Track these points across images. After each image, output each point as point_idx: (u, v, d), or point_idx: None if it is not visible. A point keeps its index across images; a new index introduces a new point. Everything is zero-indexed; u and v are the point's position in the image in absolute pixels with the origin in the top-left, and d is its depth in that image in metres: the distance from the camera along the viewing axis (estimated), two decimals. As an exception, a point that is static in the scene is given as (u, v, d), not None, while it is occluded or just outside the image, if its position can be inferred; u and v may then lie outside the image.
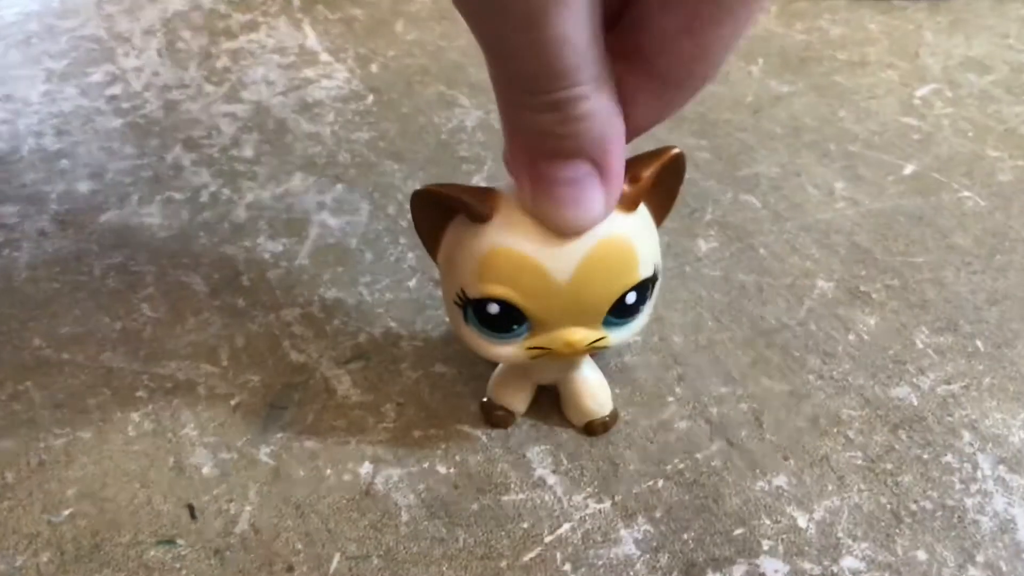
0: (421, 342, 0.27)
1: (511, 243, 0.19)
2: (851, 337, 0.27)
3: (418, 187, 0.19)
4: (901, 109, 0.40)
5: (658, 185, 0.20)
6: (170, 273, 0.31)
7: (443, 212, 0.20)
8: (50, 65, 0.46)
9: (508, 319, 0.20)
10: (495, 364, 0.25)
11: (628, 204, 0.19)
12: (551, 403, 0.25)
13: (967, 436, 0.24)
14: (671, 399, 0.25)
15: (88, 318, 0.29)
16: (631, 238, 0.19)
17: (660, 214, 0.21)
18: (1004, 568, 0.21)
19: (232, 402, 0.25)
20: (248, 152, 0.38)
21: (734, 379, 0.26)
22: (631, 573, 0.21)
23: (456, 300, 0.20)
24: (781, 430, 0.24)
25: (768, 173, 0.35)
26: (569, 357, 0.21)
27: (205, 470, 0.23)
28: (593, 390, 0.24)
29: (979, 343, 0.27)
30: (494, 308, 0.20)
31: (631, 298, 0.20)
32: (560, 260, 0.19)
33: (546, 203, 0.18)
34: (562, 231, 0.19)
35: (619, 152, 0.18)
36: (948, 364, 0.26)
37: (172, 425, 0.25)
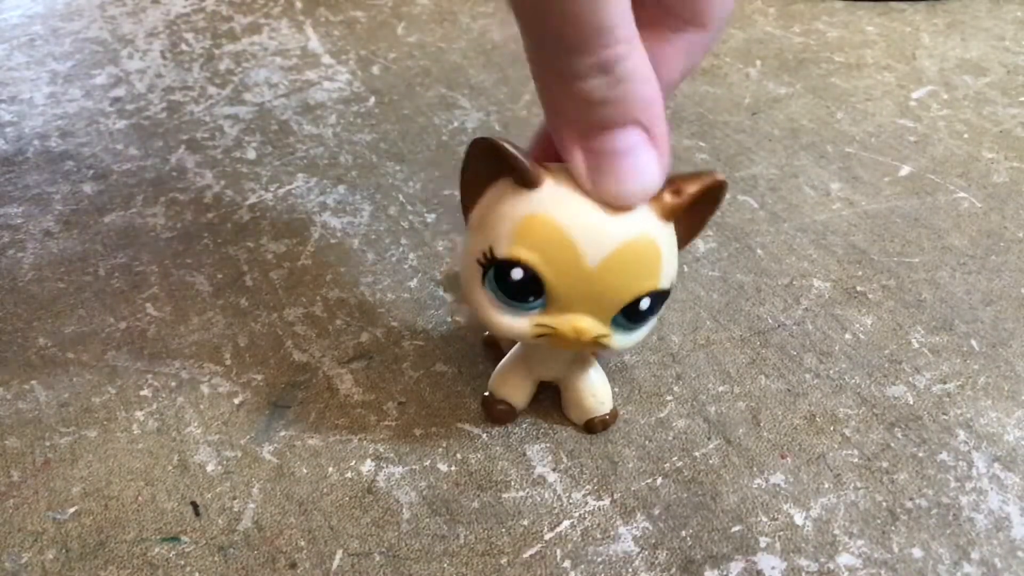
0: (422, 341, 0.27)
1: (553, 213, 0.19)
2: (847, 336, 0.27)
3: (480, 136, 0.19)
4: (898, 111, 0.40)
5: (694, 207, 0.20)
6: (174, 273, 0.31)
7: (494, 169, 0.20)
8: (55, 67, 0.46)
9: (527, 288, 0.19)
10: (495, 362, 0.25)
11: (668, 213, 0.19)
12: (551, 401, 0.25)
13: (962, 435, 0.24)
14: (669, 398, 0.25)
15: (93, 318, 0.29)
16: (662, 245, 0.19)
17: (685, 238, 0.21)
18: (999, 565, 0.21)
19: (236, 401, 0.26)
20: (251, 154, 0.38)
21: (732, 378, 0.26)
22: (630, 570, 0.21)
23: (481, 259, 0.20)
24: (778, 428, 0.24)
25: (766, 174, 0.36)
26: (570, 347, 0.21)
27: (209, 468, 0.24)
28: (594, 388, 0.24)
29: (974, 343, 0.27)
30: (518, 273, 0.19)
31: (645, 303, 0.20)
32: (594, 243, 0.19)
33: (606, 178, 0.18)
34: (623, 202, 0.19)
35: (662, 113, 0.19)
36: (943, 363, 0.26)
37: (176, 423, 0.25)
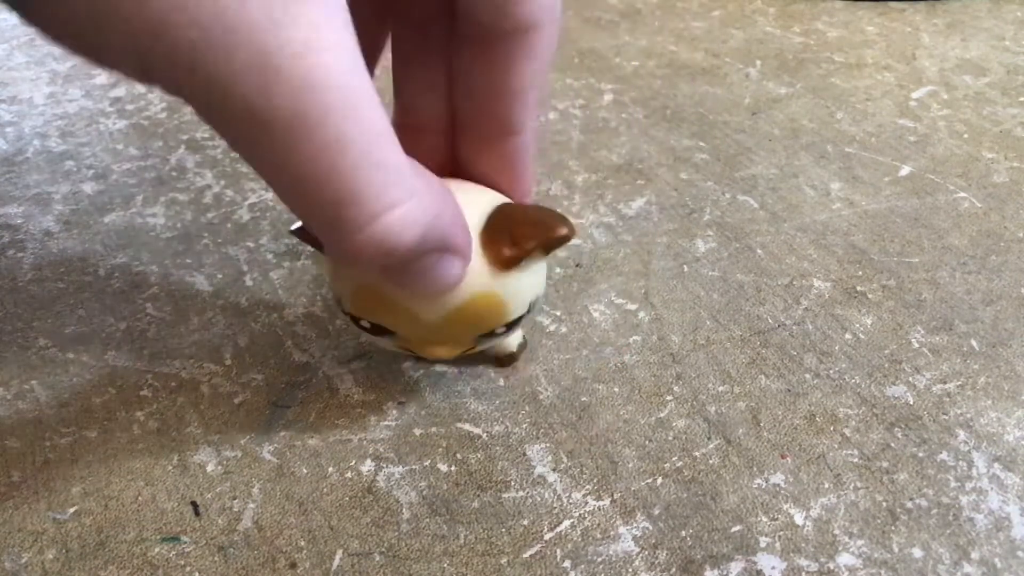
0: (422, 341, 0.27)
1: (380, 284, 0.19)
2: (847, 336, 0.27)
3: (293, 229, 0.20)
4: (897, 111, 0.40)
5: (533, 255, 0.20)
6: (174, 273, 0.31)
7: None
8: (55, 67, 0.46)
9: (380, 330, 0.21)
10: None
11: (504, 265, 0.19)
12: (550, 405, 0.25)
13: (962, 435, 0.24)
14: (669, 398, 0.25)
15: (93, 318, 0.29)
16: (502, 294, 0.20)
17: (544, 254, 0.21)
18: (999, 565, 0.21)
19: (236, 401, 0.26)
20: (251, 153, 0.38)
21: (732, 378, 0.26)
22: (630, 570, 0.21)
23: (337, 301, 0.21)
24: (778, 428, 0.24)
25: (766, 174, 0.36)
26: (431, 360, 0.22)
27: (209, 468, 0.24)
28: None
29: (974, 343, 0.27)
30: (366, 323, 0.20)
31: (500, 331, 0.21)
32: (429, 308, 0.19)
33: (404, 286, 0.18)
34: (426, 297, 0.19)
35: (458, 223, 0.18)
36: (943, 363, 0.26)
37: (176, 423, 0.25)
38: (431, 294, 0.18)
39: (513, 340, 0.25)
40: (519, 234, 0.19)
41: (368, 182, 0.14)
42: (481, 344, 0.21)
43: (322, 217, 0.15)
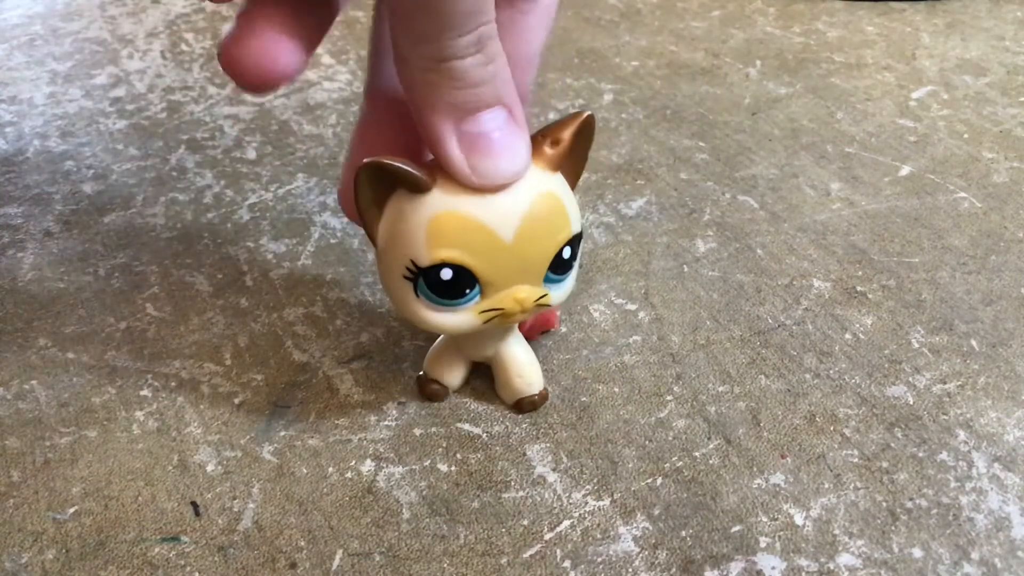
0: (423, 341, 0.27)
1: (456, 206, 0.20)
2: (847, 336, 0.27)
3: (365, 161, 0.20)
4: (897, 111, 0.40)
5: (573, 149, 0.21)
6: (174, 273, 0.31)
7: (386, 186, 0.20)
8: (54, 67, 0.46)
9: (461, 283, 0.20)
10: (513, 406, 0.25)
11: (552, 164, 0.21)
12: (550, 404, 0.25)
13: (962, 435, 0.24)
14: (669, 398, 0.25)
15: (93, 318, 0.29)
16: (560, 195, 0.21)
17: (573, 179, 0.22)
18: (999, 565, 0.21)
19: (236, 401, 0.26)
20: (251, 154, 0.38)
21: (732, 378, 0.26)
22: (630, 570, 0.21)
23: (407, 273, 0.20)
24: (778, 428, 0.24)
25: (766, 174, 0.36)
26: (519, 318, 0.22)
27: (209, 468, 0.24)
28: (520, 368, 0.24)
29: (974, 343, 0.27)
30: (447, 273, 0.20)
31: (567, 252, 0.21)
32: (503, 218, 0.20)
33: (484, 159, 0.19)
34: (502, 181, 0.20)
35: (518, 99, 0.20)
36: (943, 363, 0.26)
37: (176, 423, 0.25)
38: (508, 171, 0.19)
39: (534, 382, 0.25)
40: (555, 131, 0.21)
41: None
42: (552, 287, 0.21)
43: (438, 28, 0.18)
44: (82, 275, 0.31)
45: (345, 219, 0.33)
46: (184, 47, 0.48)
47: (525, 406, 0.25)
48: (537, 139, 0.21)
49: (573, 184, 0.22)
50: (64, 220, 0.34)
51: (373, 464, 0.24)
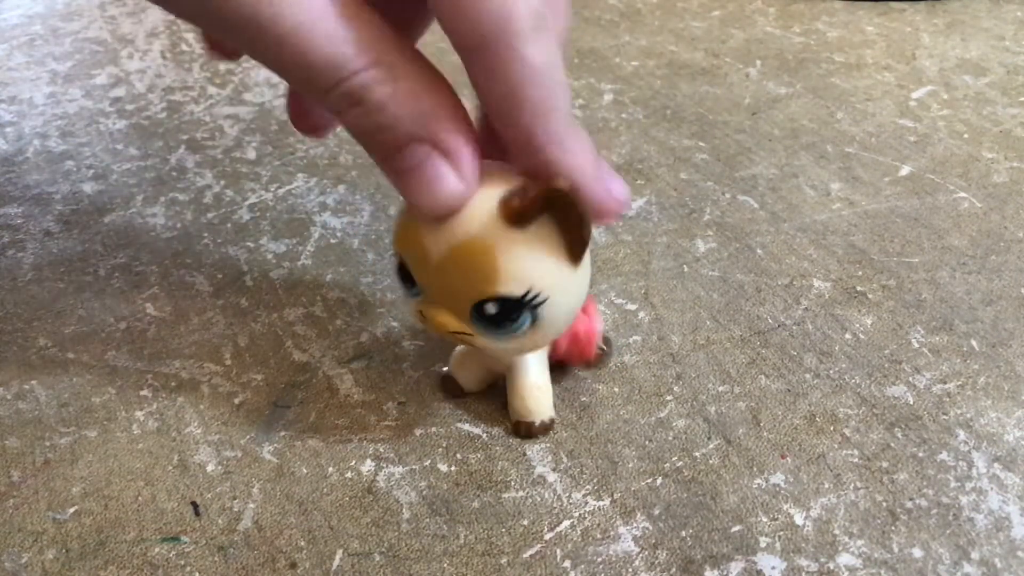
0: (422, 341, 0.27)
1: (414, 215, 0.20)
2: (847, 336, 0.27)
3: None
4: (897, 111, 0.40)
5: (558, 221, 0.19)
6: (174, 273, 0.31)
7: None
8: (54, 67, 0.46)
9: (406, 276, 0.22)
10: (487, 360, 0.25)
11: (512, 217, 0.19)
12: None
13: (962, 435, 0.24)
14: (669, 398, 0.25)
15: (93, 318, 0.29)
16: (495, 248, 0.19)
17: (569, 254, 0.20)
18: (999, 565, 0.21)
19: (236, 401, 0.26)
20: (251, 154, 0.38)
21: (732, 378, 0.26)
22: (630, 570, 0.21)
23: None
24: (778, 428, 0.24)
25: (766, 174, 0.36)
26: (443, 336, 0.22)
27: (209, 468, 0.24)
28: (525, 390, 0.24)
29: (974, 342, 0.27)
30: (396, 261, 0.22)
31: (491, 308, 0.20)
32: (435, 241, 0.20)
33: (407, 193, 0.19)
34: (430, 213, 0.19)
35: (452, 126, 0.18)
36: (943, 363, 0.26)
37: (176, 423, 0.25)
38: (425, 207, 0.19)
39: (535, 410, 0.24)
40: (532, 187, 0.19)
41: (340, 50, 0.17)
42: (483, 332, 0.21)
43: (305, 87, 0.18)
44: (82, 275, 0.31)
45: (346, 219, 0.33)
46: (184, 47, 0.48)
47: (521, 431, 0.24)
48: (518, 188, 0.19)
49: (571, 258, 0.20)
50: (64, 220, 0.34)
51: (373, 464, 0.24)
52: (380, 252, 0.32)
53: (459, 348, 0.25)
